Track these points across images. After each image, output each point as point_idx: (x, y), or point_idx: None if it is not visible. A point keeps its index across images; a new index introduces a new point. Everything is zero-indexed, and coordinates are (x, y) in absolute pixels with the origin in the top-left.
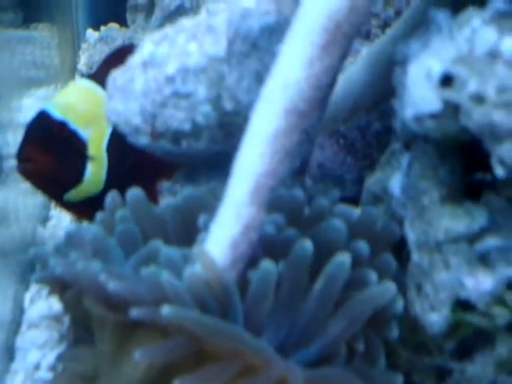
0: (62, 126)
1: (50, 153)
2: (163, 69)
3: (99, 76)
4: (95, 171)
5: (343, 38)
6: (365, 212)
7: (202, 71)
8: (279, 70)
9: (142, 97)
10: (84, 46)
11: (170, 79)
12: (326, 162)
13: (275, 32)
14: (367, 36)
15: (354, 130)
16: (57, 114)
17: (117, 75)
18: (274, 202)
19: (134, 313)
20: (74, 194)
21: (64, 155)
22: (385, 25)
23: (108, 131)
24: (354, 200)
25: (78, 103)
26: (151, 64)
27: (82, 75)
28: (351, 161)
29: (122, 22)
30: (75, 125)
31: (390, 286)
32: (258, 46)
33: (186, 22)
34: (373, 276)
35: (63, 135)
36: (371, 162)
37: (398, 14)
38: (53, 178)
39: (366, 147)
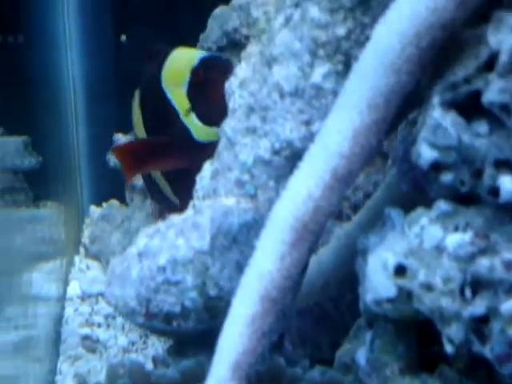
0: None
1: None
2: (156, 259)
3: None
4: None
5: (310, 235)
6: (331, 377)
7: (189, 262)
8: (255, 262)
9: (138, 283)
10: (87, 221)
11: (162, 269)
12: (305, 328)
13: (253, 227)
14: (339, 216)
15: (328, 300)
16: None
17: (115, 264)
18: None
19: None
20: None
21: None
22: (355, 206)
23: None
24: (330, 362)
25: None
26: (146, 255)
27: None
28: (327, 328)
29: (122, 199)
30: None
31: None
32: (237, 240)
33: (175, 219)
34: None
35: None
36: (345, 328)
37: (366, 196)
38: None
39: (339, 315)
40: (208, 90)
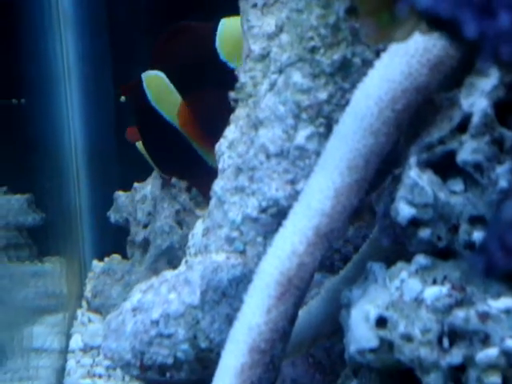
0: None
1: None
2: (149, 314)
3: None
4: None
5: (295, 290)
6: None
7: (181, 316)
8: (243, 316)
9: (132, 337)
10: (90, 274)
11: (155, 322)
12: (298, 377)
13: (242, 282)
14: (331, 268)
15: (320, 350)
16: None
17: (111, 319)
18: None
19: None
20: None
21: None
22: (345, 258)
23: None
24: None
25: None
26: (139, 310)
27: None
28: (319, 377)
29: (124, 254)
30: None
31: None
32: (226, 294)
33: (167, 274)
34: None
35: None
36: (337, 377)
37: (356, 249)
38: None
39: (331, 364)
40: None
